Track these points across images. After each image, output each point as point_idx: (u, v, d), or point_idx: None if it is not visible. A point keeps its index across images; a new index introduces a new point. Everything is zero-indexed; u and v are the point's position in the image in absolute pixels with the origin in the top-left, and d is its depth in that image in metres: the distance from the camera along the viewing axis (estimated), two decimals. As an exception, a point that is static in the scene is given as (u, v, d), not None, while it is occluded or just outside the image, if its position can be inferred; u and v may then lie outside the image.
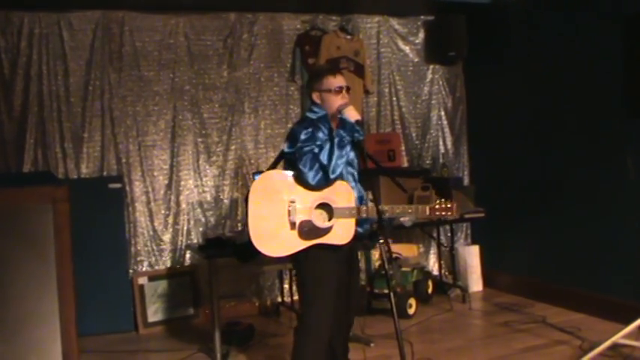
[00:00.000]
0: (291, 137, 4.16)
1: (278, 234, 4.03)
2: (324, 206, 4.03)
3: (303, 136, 4.07)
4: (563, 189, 6.53)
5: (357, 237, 4.25)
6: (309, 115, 4.28)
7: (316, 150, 4.04)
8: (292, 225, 4.02)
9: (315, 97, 4.27)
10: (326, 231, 4.02)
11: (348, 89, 4.26)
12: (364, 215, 4.06)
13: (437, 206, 4.11)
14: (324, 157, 4.03)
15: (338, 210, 4.00)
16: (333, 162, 4.03)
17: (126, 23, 6.66)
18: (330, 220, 4.02)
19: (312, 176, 4.02)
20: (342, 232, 4.03)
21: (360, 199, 4.25)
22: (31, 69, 6.36)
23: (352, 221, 4.04)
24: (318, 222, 4.00)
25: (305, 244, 4.04)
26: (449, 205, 4.11)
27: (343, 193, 4.04)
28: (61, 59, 6.47)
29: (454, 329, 6.21)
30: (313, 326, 4.07)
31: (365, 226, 4.33)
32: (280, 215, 4.02)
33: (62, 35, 6.45)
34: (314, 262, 4.08)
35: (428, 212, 4.11)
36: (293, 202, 4.01)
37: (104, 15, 6.58)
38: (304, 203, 4.02)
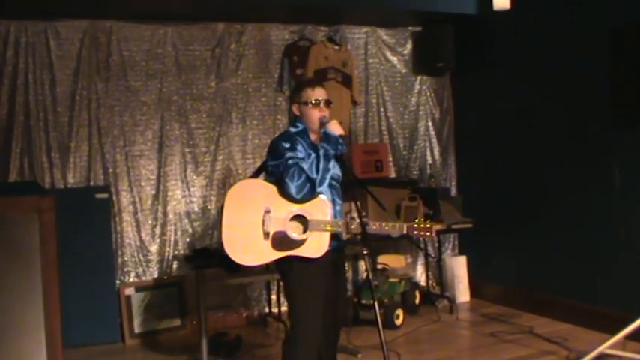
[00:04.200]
0: (273, 150, 4.14)
1: (251, 243, 4.00)
2: (299, 218, 4.01)
3: (286, 149, 4.06)
4: (551, 200, 6.55)
5: (340, 249, 4.24)
6: (290, 129, 4.28)
7: (302, 163, 4.02)
8: (266, 235, 3.99)
9: (295, 109, 4.25)
10: (299, 243, 3.99)
11: (328, 103, 4.21)
12: (339, 230, 4.03)
13: (415, 225, 4.05)
14: (311, 170, 4.00)
15: (313, 222, 3.98)
16: (320, 174, 4.01)
17: (113, 33, 6.64)
18: (304, 232, 4.00)
19: (297, 190, 3.99)
20: (315, 245, 3.98)
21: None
22: (18, 78, 6.34)
23: (326, 234, 4.01)
24: (292, 233, 3.98)
25: (277, 254, 4.01)
26: (427, 226, 4.03)
27: (319, 207, 4.00)
28: (48, 68, 6.45)
29: (442, 340, 6.21)
30: (301, 337, 4.05)
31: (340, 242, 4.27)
32: (254, 225, 4.00)
33: (49, 44, 6.43)
34: (299, 274, 4.05)
35: (405, 231, 4.05)
36: (268, 212, 3.99)
37: (92, 24, 6.56)
38: (279, 214, 3.99)
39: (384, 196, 6.47)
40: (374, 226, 4.07)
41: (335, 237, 4.08)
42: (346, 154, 4.26)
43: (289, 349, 4.12)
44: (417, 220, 4.05)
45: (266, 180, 4.19)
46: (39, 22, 6.38)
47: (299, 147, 4.10)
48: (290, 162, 4.01)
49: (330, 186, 4.14)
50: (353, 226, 3.99)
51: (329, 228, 3.98)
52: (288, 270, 4.08)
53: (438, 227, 6.66)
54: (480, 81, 7.53)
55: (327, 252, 4.02)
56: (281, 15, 7.09)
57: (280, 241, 3.99)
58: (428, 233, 4.02)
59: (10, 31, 6.31)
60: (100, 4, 6.21)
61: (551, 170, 6.54)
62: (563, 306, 6.42)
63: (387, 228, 4.09)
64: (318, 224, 3.97)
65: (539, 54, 6.60)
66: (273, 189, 4.06)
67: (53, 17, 6.41)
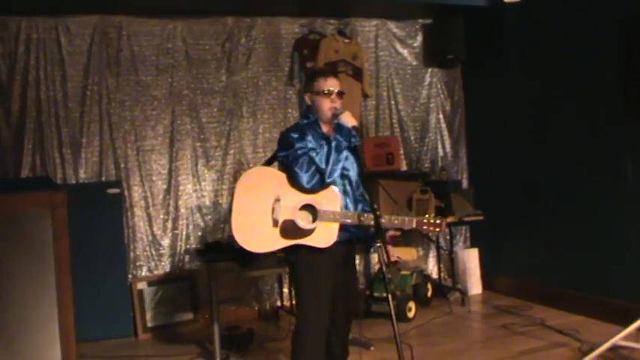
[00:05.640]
0: (283, 141, 4.15)
1: (259, 230, 4.01)
2: (309, 207, 4.01)
3: (295, 140, 4.06)
4: (562, 191, 6.53)
5: (352, 241, 4.24)
6: (302, 120, 4.28)
7: (312, 153, 4.02)
8: (275, 223, 3.99)
9: (307, 98, 4.25)
10: (308, 232, 3.99)
11: (340, 94, 4.21)
12: (349, 221, 4.03)
13: (425, 221, 4.06)
14: (321, 161, 4.00)
15: (322, 213, 3.98)
16: (330, 166, 4.00)
17: (124, 28, 6.66)
18: (313, 222, 4.00)
19: (307, 179, 3.99)
20: (323, 235, 3.99)
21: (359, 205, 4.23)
22: (29, 74, 6.37)
23: (335, 225, 4.01)
24: (301, 223, 3.98)
25: (285, 243, 4.01)
26: (437, 221, 4.05)
27: (329, 197, 4.01)
28: (59, 64, 6.47)
29: (454, 332, 6.21)
30: (308, 328, 4.06)
31: (353, 231, 4.26)
32: (264, 212, 4.00)
33: (60, 40, 6.45)
34: (307, 266, 4.06)
35: (414, 225, 4.06)
36: (278, 200, 3.99)
37: (102, 20, 6.58)
38: (289, 203, 3.99)
39: (396, 189, 6.47)
40: (383, 220, 4.07)
41: (344, 228, 4.09)
42: (359, 145, 4.26)
43: (297, 339, 4.12)
44: (427, 215, 4.07)
45: (278, 169, 4.20)
46: (49, 19, 6.40)
47: (309, 137, 4.10)
48: (299, 152, 4.01)
49: (342, 177, 4.14)
50: (363, 218, 4.00)
51: (338, 219, 3.99)
52: (295, 260, 4.09)
53: (449, 219, 6.67)
54: (490, 73, 7.50)
55: (337, 244, 4.02)
56: (291, 8, 7.09)
57: (289, 229, 3.99)
58: (438, 229, 4.04)
59: (21, 27, 6.33)
60: (109, -1, 6.24)
61: (563, 162, 6.51)
62: (575, 298, 6.40)
63: (396, 222, 4.10)
64: (327, 215, 3.97)
65: (549, 45, 6.58)
66: (284, 178, 4.07)
67: (63, 13, 6.43)
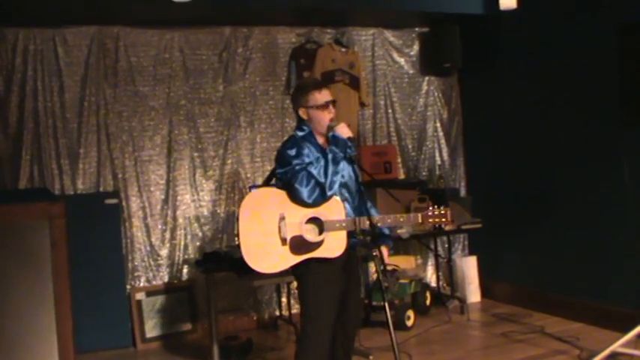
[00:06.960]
0: (280, 158, 4.16)
1: (269, 250, 4.02)
2: (314, 220, 4.01)
3: (292, 157, 4.07)
4: (561, 199, 6.53)
5: (353, 248, 4.24)
6: (296, 133, 4.27)
7: (310, 168, 4.02)
8: (283, 241, 4.01)
9: (302, 113, 4.23)
10: (317, 245, 4.00)
11: (334, 103, 4.23)
12: (354, 227, 4.04)
13: (430, 213, 4.08)
14: (320, 174, 4.00)
15: (328, 223, 3.99)
16: (329, 178, 4.01)
17: (121, 39, 6.66)
18: (320, 233, 4.01)
19: (308, 194, 4.00)
20: (333, 245, 4.01)
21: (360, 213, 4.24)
22: (27, 85, 6.35)
23: (343, 233, 4.02)
24: (309, 236, 3.99)
25: (297, 259, 4.03)
26: (442, 212, 4.08)
27: (333, 207, 4.02)
28: (56, 75, 6.46)
29: (453, 340, 6.20)
30: (313, 338, 4.06)
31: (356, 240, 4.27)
32: (271, 232, 4.01)
33: (57, 51, 6.45)
34: (314, 275, 4.07)
35: (420, 220, 4.08)
36: (283, 218, 4.00)
37: (99, 31, 6.58)
38: (294, 219, 4.00)
39: (391, 197, 6.47)
40: (388, 219, 4.09)
41: (349, 235, 4.10)
42: (356, 155, 4.27)
43: (301, 349, 4.13)
44: (430, 208, 4.08)
45: (277, 187, 4.20)
46: (47, 30, 6.40)
47: (305, 151, 4.11)
48: (297, 167, 4.03)
49: (341, 185, 4.14)
50: (364, 225, 4.01)
51: (344, 226, 4.00)
52: (305, 272, 4.09)
53: (447, 227, 6.67)
54: (487, 81, 7.51)
55: (344, 251, 4.03)
56: (287, 18, 7.10)
57: (298, 245, 4.00)
58: (444, 219, 4.06)
59: (19, 38, 6.33)
60: (106, 10, 6.22)
61: (561, 169, 6.52)
62: (574, 305, 6.40)
63: (401, 219, 4.13)
64: (333, 224, 3.98)
65: (547, 52, 6.59)
66: (285, 195, 4.07)
67: (61, 24, 6.43)
